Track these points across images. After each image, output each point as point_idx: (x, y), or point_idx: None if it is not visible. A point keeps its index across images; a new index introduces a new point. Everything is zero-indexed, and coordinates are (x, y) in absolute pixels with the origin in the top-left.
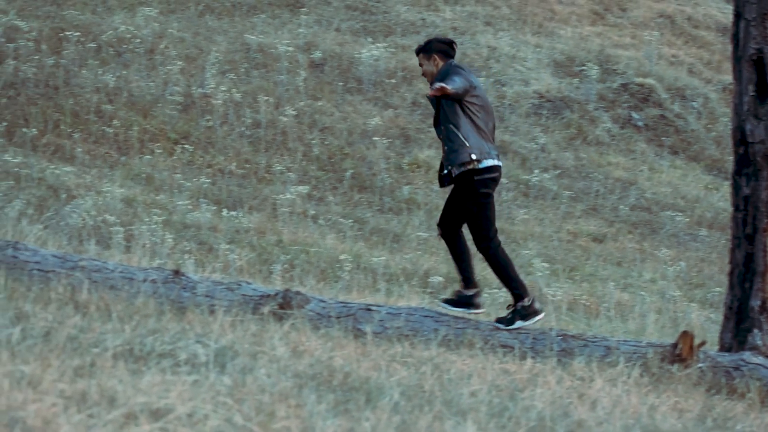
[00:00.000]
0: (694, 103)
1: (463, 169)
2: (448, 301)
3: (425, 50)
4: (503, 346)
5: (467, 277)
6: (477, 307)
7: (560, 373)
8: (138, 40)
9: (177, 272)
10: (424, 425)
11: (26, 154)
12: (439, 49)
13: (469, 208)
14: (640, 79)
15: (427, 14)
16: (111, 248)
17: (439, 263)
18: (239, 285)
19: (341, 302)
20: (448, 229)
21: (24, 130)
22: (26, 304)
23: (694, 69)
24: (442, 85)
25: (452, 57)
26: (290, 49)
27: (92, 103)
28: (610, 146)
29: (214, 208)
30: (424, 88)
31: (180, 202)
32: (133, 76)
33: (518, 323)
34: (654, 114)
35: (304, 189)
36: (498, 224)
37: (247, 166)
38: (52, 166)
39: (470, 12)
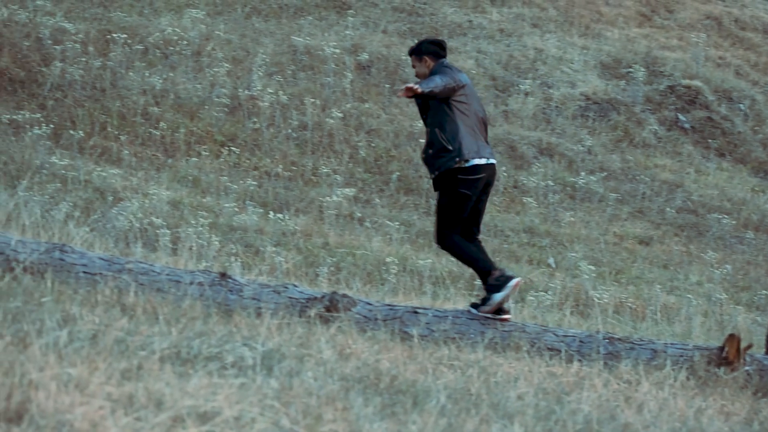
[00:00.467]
0: (740, 105)
1: (445, 169)
2: (474, 305)
3: (416, 52)
4: (550, 349)
5: (483, 268)
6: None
7: (607, 377)
8: (185, 42)
9: (223, 275)
10: (471, 428)
11: (73, 156)
12: (429, 50)
13: (442, 200)
14: (686, 81)
15: (474, 16)
16: (158, 251)
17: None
18: (286, 288)
19: (388, 305)
20: (465, 235)
21: (71, 132)
22: (73, 306)
23: (741, 71)
24: (410, 85)
25: (443, 57)
26: (337, 51)
27: (139, 105)
28: (656, 148)
29: (261, 210)
30: None
31: (226, 205)
32: (180, 78)
33: (496, 296)
34: (701, 116)
35: (350, 191)
36: (544, 227)
37: (294, 168)
38: (99, 169)
39: (517, 14)
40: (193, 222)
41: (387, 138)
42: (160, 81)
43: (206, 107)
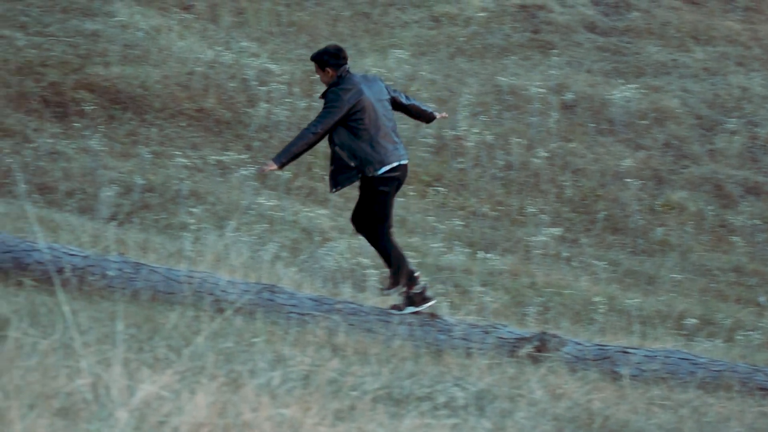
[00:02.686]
0: None
1: (348, 184)
2: (395, 307)
3: (318, 63)
4: (761, 389)
5: (411, 276)
6: (428, 300)
7: None
8: (390, 83)
9: (433, 315)
10: None
11: (280, 196)
12: (330, 63)
13: (370, 206)
14: None
15: (678, 55)
16: (365, 291)
17: (694, 305)
18: (495, 328)
19: (597, 345)
20: (359, 225)
21: (277, 173)
22: (284, 347)
23: None
24: (262, 168)
25: (344, 64)
26: (542, 90)
27: None
28: None
29: (468, 250)
30: (676, 129)
31: (433, 245)
32: None
33: (410, 308)
34: None
35: (557, 231)
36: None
37: (500, 208)
38: (306, 209)
39: (721, 52)
40: None
41: (593, 177)
42: None
43: (412, 147)
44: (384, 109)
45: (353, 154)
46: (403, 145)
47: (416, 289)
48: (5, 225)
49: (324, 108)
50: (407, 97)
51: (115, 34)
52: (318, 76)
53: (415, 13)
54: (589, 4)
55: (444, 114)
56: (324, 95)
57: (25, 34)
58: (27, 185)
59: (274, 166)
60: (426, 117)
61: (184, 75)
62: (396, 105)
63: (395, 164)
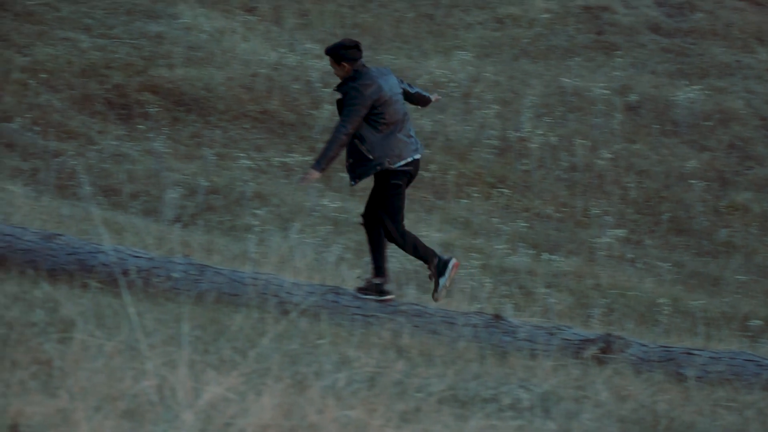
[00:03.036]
0: None
1: (366, 176)
2: (360, 290)
3: (333, 57)
4: None
5: (379, 266)
6: (387, 293)
7: None
8: (454, 84)
9: (497, 316)
10: None
11: (344, 198)
12: (347, 56)
13: (384, 200)
14: None
15: (742, 56)
16: (430, 292)
17: (759, 306)
18: (559, 329)
19: (662, 346)
20: (370, 218)
21: (341, 174)
22: (349, 348)
23: None
24: (305, 178)
25: (360, 58)
26: (605, 92)
27: None
28: None
29: (532, 252)
30: (740, 130)
31: (498, 246)
32: (450, 120)
33: (441, 281)
34: None
35: (621, 232)
36: None
37: (564, 209)
38: None
39: None
40: (464, 264)
41: (657, 179)
42: (430, 123)
43: (476, 149)
44: (399, 103)
45: (372, 147)
46: (417, 138)
47: (380, 281)
48: (70, 227)
49: (348, 106)
50: (410, 86)
51: (179, 36)
52: (333, 69)
53: (479, 14)
54: (653, 6)
55: (437, 96)
56: (339, 88)
57: (89, 37)
58: (91, 187)
59: (316, 174)
60: (424, 101)
61: (247, 77)
62: (406, 96)
63: (410, 159)
